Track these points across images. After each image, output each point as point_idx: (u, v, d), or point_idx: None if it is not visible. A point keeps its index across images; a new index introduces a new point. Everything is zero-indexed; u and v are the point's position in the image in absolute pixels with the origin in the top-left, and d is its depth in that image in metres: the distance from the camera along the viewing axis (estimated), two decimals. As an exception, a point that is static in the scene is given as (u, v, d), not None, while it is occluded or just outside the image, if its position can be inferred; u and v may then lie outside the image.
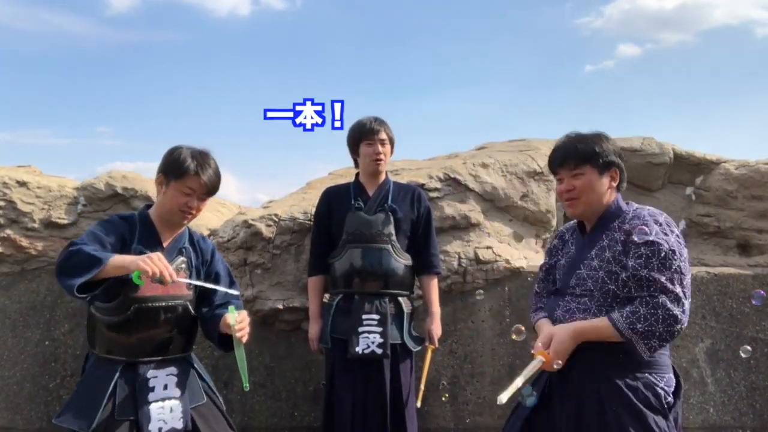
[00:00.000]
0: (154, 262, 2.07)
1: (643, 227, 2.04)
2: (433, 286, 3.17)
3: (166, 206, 2.34)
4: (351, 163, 3.30)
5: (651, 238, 2.00)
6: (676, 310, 1.93)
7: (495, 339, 3.58)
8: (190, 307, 2.38)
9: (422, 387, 3.01)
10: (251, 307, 3.50)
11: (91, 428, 2.18)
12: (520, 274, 3.62)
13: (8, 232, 3.54)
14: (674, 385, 2.09)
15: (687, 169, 4.44)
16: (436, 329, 3.08)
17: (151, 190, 3.74)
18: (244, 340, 2.27)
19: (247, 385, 2.32)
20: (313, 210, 3.34)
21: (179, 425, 2.31)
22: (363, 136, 3.08)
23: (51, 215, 3.58)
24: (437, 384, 3.54)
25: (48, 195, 3.63)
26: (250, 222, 3.60)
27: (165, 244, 2.38)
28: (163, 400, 2.33)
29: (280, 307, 3.50)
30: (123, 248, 2.28)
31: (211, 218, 4.07)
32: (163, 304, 2.31)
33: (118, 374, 2.29)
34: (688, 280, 2.03)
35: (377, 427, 2.94)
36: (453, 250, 3.63)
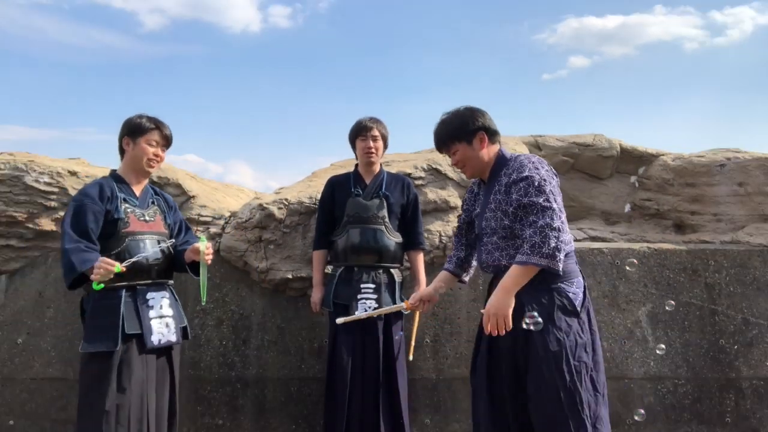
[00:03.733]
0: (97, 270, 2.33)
1: (520, 168, 2.17)
2: (420, 260, 3.33)
3: (136, 159, 2.65)
4: (350, 155, 3.46)
5: (525, 174, 2.13)
6: (557, 222, 2.05)
7: (470, 303, 3.68)
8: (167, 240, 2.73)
9: (413, 343, 3.07)
10: (266, 277, 3.61)
11: (117, 345, 2.40)
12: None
13: (61, 214, 3.54)
14: (583, 286, 2.21)
15: (631, 161, 4.59)
16: None
17: (181, 178, 3.89)
18: (209, 262, 2.59)
19: (204, 301, 2.60)
20: (318, 195, 3.51)
21: (173, 338, 2.59)
22: (358, 133, 3.25)
23: (97, 200, 3.70)
24: (422, 341, 3.61)
25: (95, 183, 3.75)
26: (264, 205, 3.67)
27: (138, 194, 2.69)
28: (160, 317, 2.55)
29: (290, 276, 3.58)
30: (110, 203, 2.53)
31: (231, 202, 4.15)
32: (148, 237, 2.63)
33: (123, 298, 2.49)
34: (560, 199, 2.16)
35: (373, 377, 3.06)
36: (435, 229, 3.70)
